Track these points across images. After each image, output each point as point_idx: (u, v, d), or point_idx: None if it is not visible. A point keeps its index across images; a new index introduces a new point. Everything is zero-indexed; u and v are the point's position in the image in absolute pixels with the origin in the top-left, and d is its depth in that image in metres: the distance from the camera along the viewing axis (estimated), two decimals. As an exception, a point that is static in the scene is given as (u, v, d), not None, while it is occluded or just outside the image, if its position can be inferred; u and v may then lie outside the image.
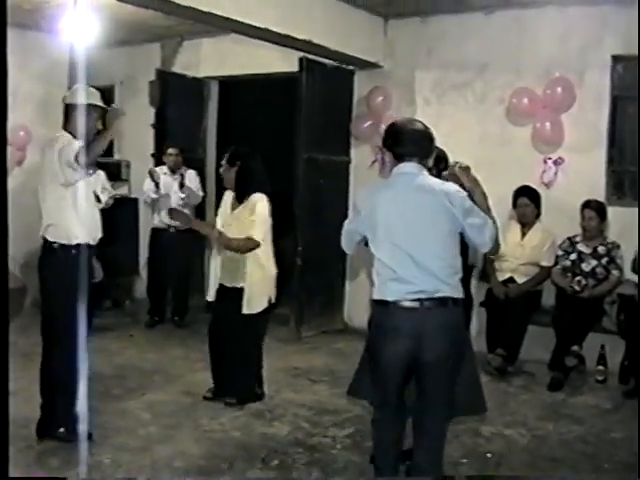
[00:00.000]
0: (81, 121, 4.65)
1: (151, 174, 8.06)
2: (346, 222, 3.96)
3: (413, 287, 3.57)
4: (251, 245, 5.40)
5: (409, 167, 3.70)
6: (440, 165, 4.30)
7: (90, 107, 4.74)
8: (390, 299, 3.62)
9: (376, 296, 3.72)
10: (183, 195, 8.06)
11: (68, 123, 4.77)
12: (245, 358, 5.66)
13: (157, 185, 8.07)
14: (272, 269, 5.59)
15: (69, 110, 4.79)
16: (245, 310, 5.44)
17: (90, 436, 4.73)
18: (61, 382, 4.74)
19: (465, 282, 4.27)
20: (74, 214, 4.68)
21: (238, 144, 5.81)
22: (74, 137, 4.66)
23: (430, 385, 3.71)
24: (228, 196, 5.69)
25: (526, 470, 4.55)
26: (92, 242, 4.81)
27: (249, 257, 5.44)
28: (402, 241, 3.60)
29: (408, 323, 3.59)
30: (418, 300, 3.57)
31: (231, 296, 5.50)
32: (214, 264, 5.71)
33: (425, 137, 3.77)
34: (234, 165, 5.54)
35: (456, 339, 3.68)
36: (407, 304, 3.58)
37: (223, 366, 5.66)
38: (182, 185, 8.09)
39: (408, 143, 3.73)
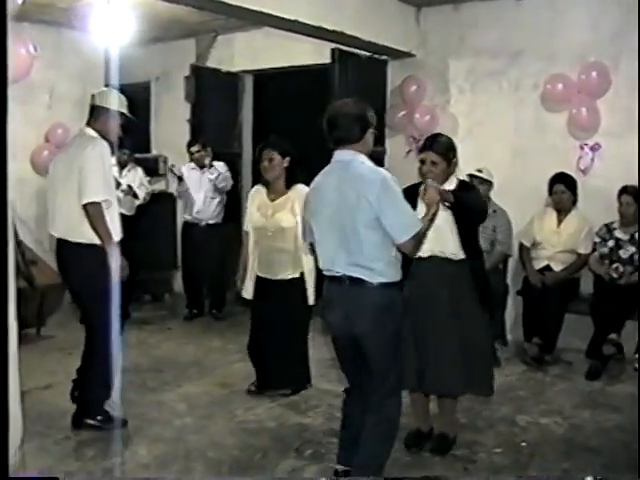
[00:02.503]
0: (113, 125, 4.97)
1: (170, 169, 8.15)
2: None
3: (335, 271, 3.70)
4: None
5: (342, 154, 3.72)
6: (450, 154, 4.30)
7: (120, 113, 5.00)
8: (325, 272, 3.80)
9: None
10: (212, 176, 8.06)
11: (96, 123, 4.95)
12: (301, 346, 5.72)
13: (180, 179, 8.17)
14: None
15: (99, 111, 4.96)
16: (311, 301, 5.49)
17: (125, 423, 4.91)
18: (99, 372, 4.83)
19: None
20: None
21: (276, 136, 5.73)
22: (102, 137, 4.89)
23: (367, 360, 3.74)
24: (260, 191, 5.67)
25: (561, 459, 4.50)
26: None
27: (301, 247, 5.37)
28: (328, 227, 3.69)
29: (335, 296, 3.74)
30: (339, 279, 3.68)
31: (281, 288, 5.53)
32: (252, 260, 5.64)
33: (353, 121, 3.66)
34: (285, 157, 5.50)
35: (376, 319, 3.63)
36: (334, 279, 3.73)
37: (276, 358, 5.62)
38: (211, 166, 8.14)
39: (336, 129, 3.69)
